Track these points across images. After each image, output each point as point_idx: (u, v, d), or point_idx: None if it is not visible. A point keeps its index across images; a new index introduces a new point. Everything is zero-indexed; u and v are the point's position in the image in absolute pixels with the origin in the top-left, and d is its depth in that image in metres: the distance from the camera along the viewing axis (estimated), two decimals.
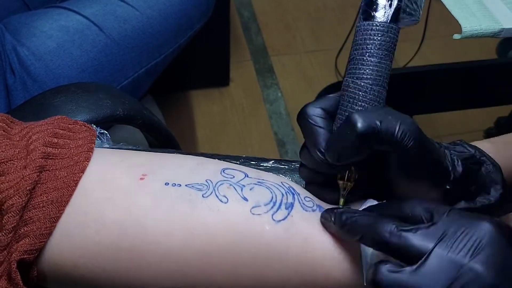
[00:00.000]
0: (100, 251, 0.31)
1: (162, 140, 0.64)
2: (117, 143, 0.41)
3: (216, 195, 0.33)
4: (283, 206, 0.34)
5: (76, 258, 0.31)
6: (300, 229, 0.33)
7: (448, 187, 0.33)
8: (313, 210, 0.34)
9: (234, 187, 0.34)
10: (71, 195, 0.32)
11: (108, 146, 0.35)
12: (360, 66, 0.32)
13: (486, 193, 0.35)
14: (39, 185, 0.31)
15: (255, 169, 0.37)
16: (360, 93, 0.31)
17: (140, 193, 0.33)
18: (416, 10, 0.32)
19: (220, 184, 0.34)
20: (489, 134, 1.42)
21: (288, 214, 0.33)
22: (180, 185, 0.33)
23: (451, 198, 0.34)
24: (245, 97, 1.50)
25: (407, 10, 0.31)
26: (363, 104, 0.32)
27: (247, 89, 1.52)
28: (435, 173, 0.33)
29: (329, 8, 1.80)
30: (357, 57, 0.32)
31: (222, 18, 1.25)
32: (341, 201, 0.34)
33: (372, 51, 0.31)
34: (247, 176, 0.35)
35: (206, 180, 0.34)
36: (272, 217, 0.33)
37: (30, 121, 0.36)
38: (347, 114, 0.32)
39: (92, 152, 0.34)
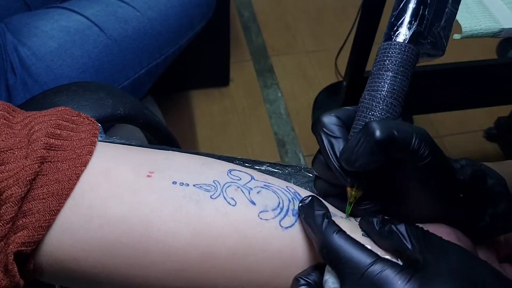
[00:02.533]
0: (102, 246, 0.31)
1: (162, 139, 0.64)
2: (111, 137, 0.41)
3: (224, 197, 0.33)
4: (290, 213, 0.33)
5: (77, 251, 0.31)
6: (306, 237, 0.33)
7: (461, 195, 0.33)
8: None
9: (241, 190, 0.34)
10: (72, 188, 0.31)
11: (101, 139, 0.35)
12: (376, 80, 0.34)
13: (492, 205, 0.35)
14: (40, 176, 0.30)
15: (259, 172, 0.37)
16: (374, 103, 0.33)
17: (147, 190, 0.32)
18: (438, 42, 0.35)
19: (228, 186, 0.34)
20: (489, 134, 1.42)
21: (295, 221, 0.33)
22: (188, 185, 0.33)
23: (461, 208, 0.34)
24: (245, 97, 1.50)
25: (430, 38, 0.35)
26: (377, 114, 0.33)
27: (247, 89, 1.52)
28: (448, 183, 0.33)
29: (329, 8, 1.80)
30: (375, 72, 0.34)
31: (222, 18, 1.25)
32: (348, 209, 0.34)
33: (388, 66, 0.34)
34: (253, 179, 0.35)
35: (213, 181, 0.34)
36: (280, 224, 0.33)
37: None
38: (364, 123, 0.33)
39: (94, 146, 0.33)
